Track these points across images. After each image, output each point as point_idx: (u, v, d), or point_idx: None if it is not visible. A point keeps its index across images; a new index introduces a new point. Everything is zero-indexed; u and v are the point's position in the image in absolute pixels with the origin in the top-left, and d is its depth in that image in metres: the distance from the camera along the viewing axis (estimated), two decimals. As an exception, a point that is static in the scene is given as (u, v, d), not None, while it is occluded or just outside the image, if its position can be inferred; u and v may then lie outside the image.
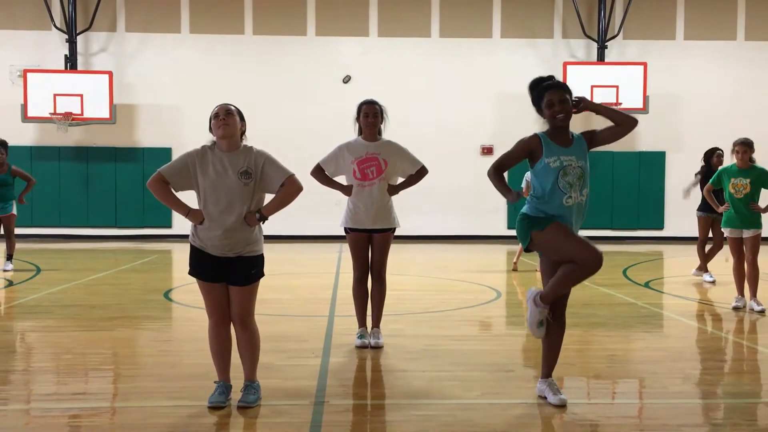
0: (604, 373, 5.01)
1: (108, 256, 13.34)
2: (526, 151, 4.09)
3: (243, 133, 4.17)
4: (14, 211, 10.53)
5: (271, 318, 6.80)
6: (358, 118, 5.60)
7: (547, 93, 4.02)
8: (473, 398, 4.32)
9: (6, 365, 5.18)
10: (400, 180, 5.69)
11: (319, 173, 5.65)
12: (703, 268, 9.78)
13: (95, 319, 6.86)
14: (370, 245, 5.61)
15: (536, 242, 4.10)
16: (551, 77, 4.20)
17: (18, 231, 11.18)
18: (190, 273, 4.15)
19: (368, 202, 5.50)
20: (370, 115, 5.53)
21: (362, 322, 5.72)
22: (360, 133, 5.62)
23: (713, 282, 9.49)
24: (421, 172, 5.66)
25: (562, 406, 4.11)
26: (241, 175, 4.01)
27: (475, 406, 4.17)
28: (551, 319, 4.17)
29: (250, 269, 4.08)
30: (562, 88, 4.05)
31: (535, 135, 4.10)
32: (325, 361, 5.19)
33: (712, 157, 9.68)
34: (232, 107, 4.11)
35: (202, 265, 4.08)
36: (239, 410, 4.05)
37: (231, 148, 4.06)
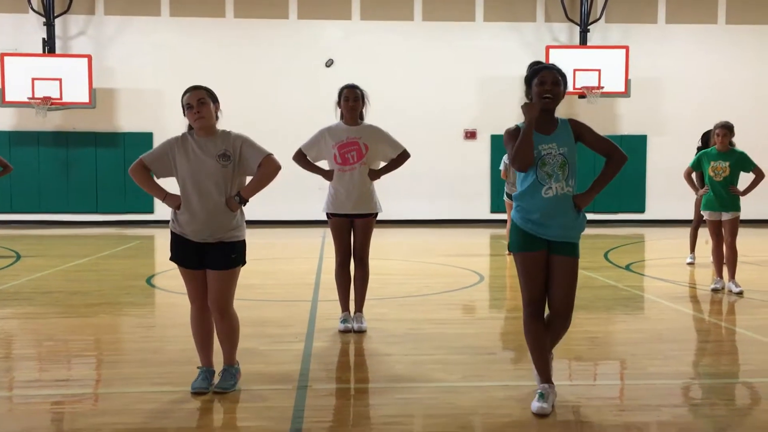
0: (585, 355, 5.06)
1: (89, 242, 13.24)
2: (515, 140, 3.88)
3: (217, 111, 4.10)
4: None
5: (255, 303, 6.80)
6: (339, 103, 5.59)
7: (542, 72, 3.87)
8: (455, 381, 4.35)
9: (-14, 352, 5.14)
10: (382, 164, 5.68)
11: (301, 158, 5.63)
12: (692, 250, 9.77)
13: (77, 306, 6.82)
14: (352, 230, 5.61)
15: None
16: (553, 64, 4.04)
17: (-3, 217, 11.08)
18: (171, 259, 4.14)
19: (349, 187, 5.49)
20: (351, 99, 5.51)
21: (345, 307, 5.74)
22: (341, 117, 5.60)
23: (692, 263, 9.59)
24: (403, 156, 5.65)
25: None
26: (219, 157, 3.99)
27: (458, 389, 4.20)
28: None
29: (229, 254, 4.04)
30: (559, 72, 3.91)
31: (516, 126, 3.92)
32: (308, 345, 5.21)
33: (710, 137, 9.66)
34: (204, 92, 4.02)
35: (182, 251, 4.07)
36: (215, 394, 4.06)
37: (208, 134, 4.05)
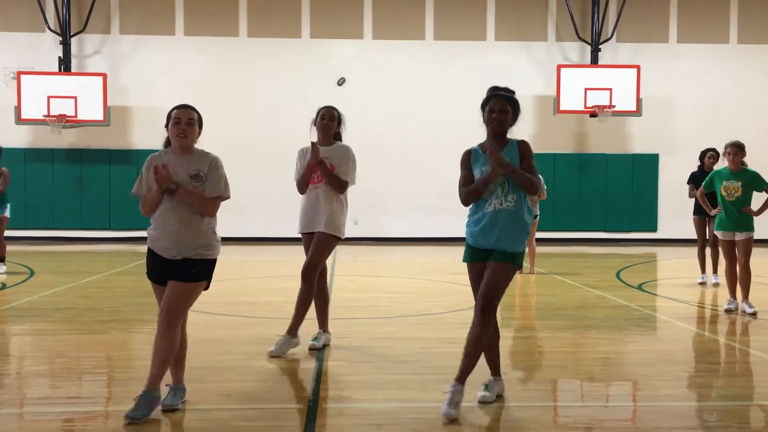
0: (598, 376, 5.03)
1: (102, 259, 13.31)
2: (467, 165, 4.35)
3: (198, 136, 4.12)
4: (7, 214, 10.44)
5: (264, 320, 6.81)
6: (315, 121, 5.60)
7: (493, 100, 4.25)
8: (466, 401, 4.32)
9: (-1, 369, 5.17)
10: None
11: (300, 185, 5.60)
12: (702, 270, 9.68)
13: (89, 322, 6.85)
14: None
15: None
16: (508, 89, 4.34)
17: (12, 233, 11.14)
18: (147, 275, 4.14)
19: (313, 204, 5.50)
20: (327, 118, 5.54)
21: (321, 324, 5.71)
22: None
23: (704, 283, 9.51)
24: (340, 182, 5.46)
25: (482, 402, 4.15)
26: (191, 177, 3.99)
27: (468, 409, 4.18)
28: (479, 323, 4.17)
29: (190, 268, 3.98)
30: (509, 100, 4.24)
31: (469, 150, 4.39)
32: (318, 364, 5.20)
33: (704, 157, 9.72)
34: (195, 116, 4.06)
35: (153, 266, 4.07)
36: (219, 412, 4.01)
37: (185, 152, 4.06)
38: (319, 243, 5.51)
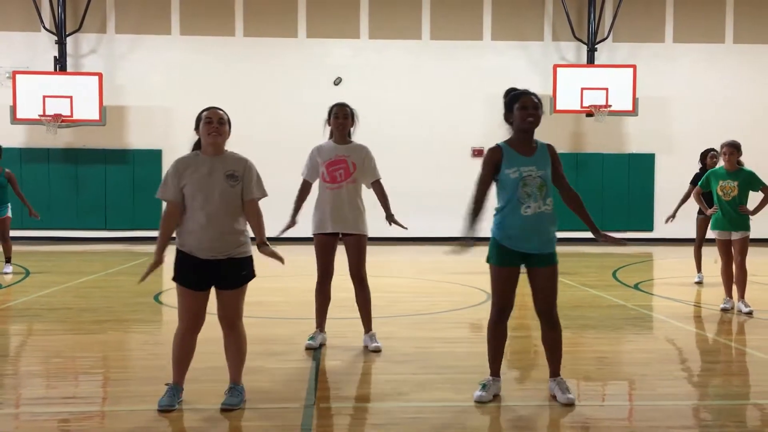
0: (594, 375, 5.03)
1: (98, 259, 13.28)
2: (493, 165, 4.16)
3: (228, 136, 4.19)
4: (9, 214, 10.48)
5: (263, 320, 6.80)
6: (328, 120, 5.60)
7: (523, 97, 4.13)
8: (464, 401, 4.33)
9: (-5, 369, 5.15)
10: (364, 186, 5.68)
11: (305, 189, 5.65)
12: (698, 269, 9.71)
13: (85, 323, 6.83)
14: (336, 249, 5.58)
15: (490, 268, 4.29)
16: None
17: (7, 233, 11.09)
18: (174, 279, 4.12)
19: (336, 205, 5.47)
20: (341, 116, 5.52)
21: (317, 325, 5.72)
22: (330, 135, 5.62)
23: (700, 282, 9.54)
24: (378, 185, 5.65)
25: (569, 405, 4.15)
26: (227, 177, 4.04)
27: (467, 409, 4.18)
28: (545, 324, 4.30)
29: (240, 271, 4.09)
30: (536, 97, 4.18)
31: (498, 146, 4.18)
32: (315, 363, 5.20)
33: (705, 157, 9.73)
34: (225, 115, 4.13)
35: (187, 271, 4.06)
36: (222, 412, 4.04)
37: (216, 153, 4.10)
38: (359, 245, 5.56)
